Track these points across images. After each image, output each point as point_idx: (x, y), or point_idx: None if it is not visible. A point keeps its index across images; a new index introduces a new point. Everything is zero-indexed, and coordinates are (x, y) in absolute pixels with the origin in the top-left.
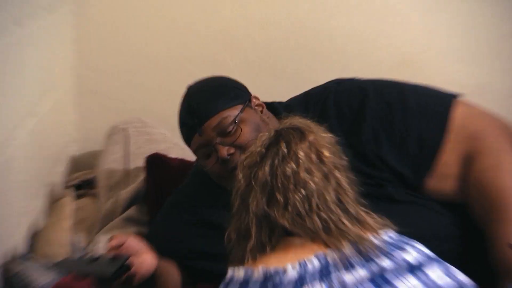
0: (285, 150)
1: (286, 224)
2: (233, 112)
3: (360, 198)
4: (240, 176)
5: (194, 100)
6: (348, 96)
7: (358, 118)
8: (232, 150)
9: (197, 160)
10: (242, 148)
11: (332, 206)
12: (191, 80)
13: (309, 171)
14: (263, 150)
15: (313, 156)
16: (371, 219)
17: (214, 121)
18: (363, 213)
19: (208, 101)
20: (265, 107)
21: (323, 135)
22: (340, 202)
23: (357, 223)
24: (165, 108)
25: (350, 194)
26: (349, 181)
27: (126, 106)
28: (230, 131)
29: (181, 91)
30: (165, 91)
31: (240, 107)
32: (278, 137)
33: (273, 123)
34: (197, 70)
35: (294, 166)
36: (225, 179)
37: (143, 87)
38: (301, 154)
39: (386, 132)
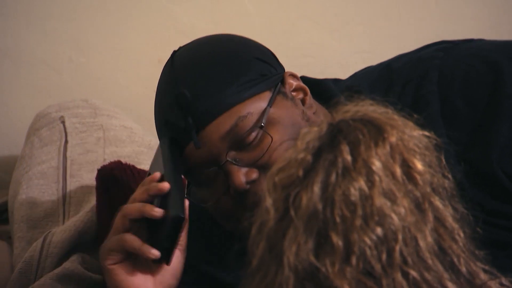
0: (349, 158)
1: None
2: (256, 107)
3: (479, 247)
4: (268, 202)
5: (185, 83)
6: (465, 77)
7: (484, 117)
8: (254, 175)
9: (189, 184)
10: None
11: (429, 259)
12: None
13: (390, 196)
14: (310, 157)
15: (398, 171)
16: (497, 286)
17: (224, 123)
18: (482, 274)
19: (212, 86)
20: (309, 92)
21: (416, 134)
22: (442, 253)
23: None
24: (134, 83)
25: (460, 239)
26: (458, 217)
27: (63, 80)
28: (252, 141)
29: (164, 57)
30: (133, 54)
31: (267, 95)
32: (335, 135)
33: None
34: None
35: (364, 186)
36: (237, 223)
37: (92, 47)
38: (376, 165)
39: None
